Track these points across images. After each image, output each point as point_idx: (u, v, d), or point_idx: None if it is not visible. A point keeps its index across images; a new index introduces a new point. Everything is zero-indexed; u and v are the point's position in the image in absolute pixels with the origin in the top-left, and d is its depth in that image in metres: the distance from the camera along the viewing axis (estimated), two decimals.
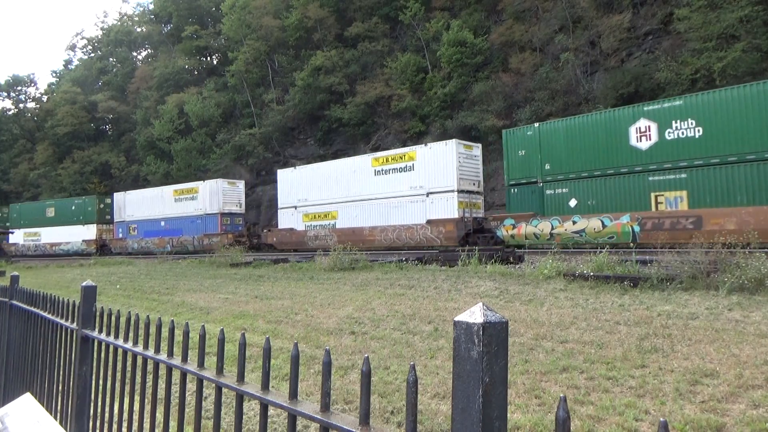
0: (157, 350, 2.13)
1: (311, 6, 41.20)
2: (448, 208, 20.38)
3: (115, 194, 37.34)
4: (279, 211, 27.47)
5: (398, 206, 22.16)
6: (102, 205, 37.87)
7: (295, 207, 26.45)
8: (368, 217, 23.13)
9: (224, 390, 1.76)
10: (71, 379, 2.89)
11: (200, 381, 1.87)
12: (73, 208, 38.85)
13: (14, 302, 4.15)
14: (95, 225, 37.18)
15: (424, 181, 21.29)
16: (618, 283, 9.20)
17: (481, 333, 0.87)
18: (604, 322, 7.17)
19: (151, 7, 65.64)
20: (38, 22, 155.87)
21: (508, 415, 3.76)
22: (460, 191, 20.33)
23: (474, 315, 0.90)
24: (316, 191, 25.64)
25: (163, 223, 33.34)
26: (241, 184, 32.91)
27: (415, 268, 14.27)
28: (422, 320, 8.05)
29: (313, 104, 40.17)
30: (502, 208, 22.90)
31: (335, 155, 39.00)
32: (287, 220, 26.83)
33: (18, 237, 42.33)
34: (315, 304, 10.18)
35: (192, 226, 31.64)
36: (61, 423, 2.96)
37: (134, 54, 67.65)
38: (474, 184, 21.19)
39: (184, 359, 1.95)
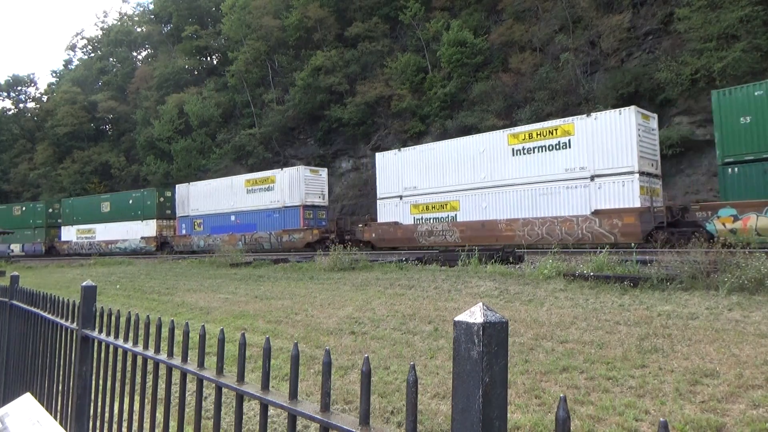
0: (157, 350, 2.13)
1: (311, 6, 41.21)
2: (626, 195, 16.37)
3: (177, 186, 33.57)
4: (378, 202, 23.39)
5: (548, 193, 18.02)
6: (162, 199, 34.26)
7: (400, 197, 22.40)
8: (504, 207, 19.03)
9: (224, 390, 1.76)
10: (71, 379, 2.89)
11: (200, 381, 1.87)
12: (131, 202, 35.40)
13: (14, 302, 4.15)
14: (155, 220, 33.64)
15: (586, 161, 17.19)
16: (618, 283, 9.20)
17: (481, 333, 0.87)
18: (604, 322, 7.17)
19: (151, 7, 65.72)
20: (38, 22, 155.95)
21: (508, 415, 3.76)
22: (641, 173, 16.23)
23: (474, 315, 0.90)
24: (430, 177, 21.51)
25: (233, 218, 29.55)
26: (324, 173, 28.79)
27: (415, 268, 14.27)
28: (422, 320, 8.05)
29: (313, 104, 40.19)
30: None
31: (335, 155, 39.11)
32: (389, 212, 22.78)
33: (70, 234, 38.94)
34: (315, 304, 10.18)
35: (268, 221, 27.80)
36: (61, 423, 2.96)
37: (134, 54, 67.71)
38: (653, 165, 17.09)
39: (184, 359, 1.95)
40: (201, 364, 1.85)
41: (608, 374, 5.13)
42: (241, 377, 1.65)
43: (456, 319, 0.91)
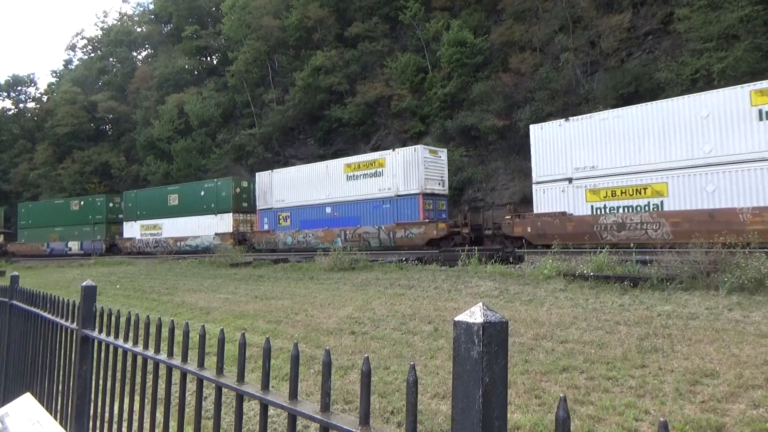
0: (157, 350, 2.12)
1: (311, 6, 41.21)
2: None
3: (258, 174, 29.53)
4: (534, 188, 19.15)
5: None
6: (238, 189, 30.42)
7: (569, 180, 17.97)
8: (746, 191, 14.46)
9: (224, 390, 1.75)
10: (71, 379, 2.89)
11: (200, 381, 1.86)
12: (202, 194, 31.41)
13: (14, 302, 4.15)
14: (230, 214, 29.78)
15: None
16: (618, 283, 9.20)
17: (481, 333, 0.87)
18: (604, 322, 7.17)
19: (151, 7, 65.73)
20: (38, 22, 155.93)
21: (508, 415, 3.76)
22: None
23: (474, 315, 0.90)
24: (616, 153, 17.01)
25: (329, 210, 25.18)
26: (443, 154, 24.05)
27: (415, 268, 14.27)
28: (422, 320, 8.05)
29: (313, 104, 40.19)
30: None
31: (335, 155, 39.08)
32: (552, 200, 18.47)
33: (134, 230, 35.29)
34: (315, 304, 10.18)
35: (376, 213, 23.35)
36: (61, 423, 2.96)
37: (134, 54, 67.70)
38: None
39: (184, 359, 1.95)
40: (201, 364, 1.85)
41: (608, 374, 5.13)
42: (241, 377, 1.65)
43: (456, 319, 0.91)
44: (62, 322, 3.06)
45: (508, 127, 29.21)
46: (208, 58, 57.76)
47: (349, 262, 15.60)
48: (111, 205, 38.45)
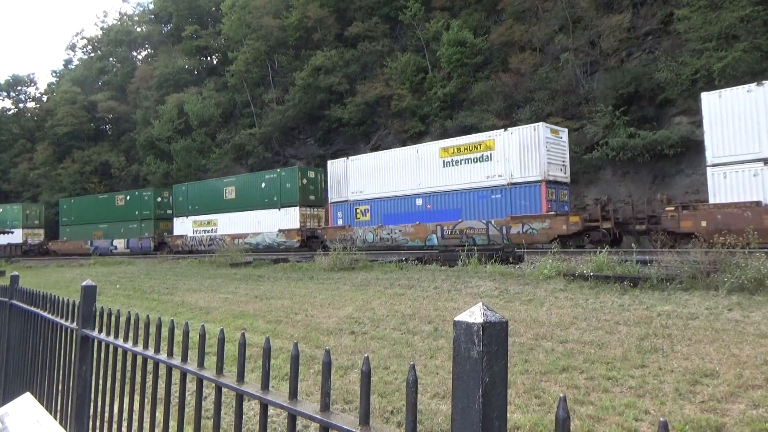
0: (157, 350, 2.13)
1: (311, 6, 41.21)
2: None
3: (330, 163, 25.61)
4: (711, 170, 15.39)
5: None
6: (305, 181, 27.07)
7: (765, 161, 14.44)
8: None
9: (224, 390, 1.75)
10: (71, 379, 2.89)
11: (200, 381, 1.86)
12: (263, 186, 28.09)
13: (14, 302, 4.15)
14: (297, 208, 26.41)
15: None
16: (618, 283, 9.20)
17: (481, 333, 0.87)
18: (604, 322, 7.17)
19: (151, 7, 65.73)
20: (38, 22, 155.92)
21: (508, 415, 3.76)
22: None
23: (474, 315, 0.90)
24: None
25: (420, 201, 21.58)
26: (564, 135, 20.28)
27: (415, 268, 14.28)
28: (422, 320, 8.05)
29: (313, 104, 40.19)
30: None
31: (335, 156, 39.10)
32: (739, 186, 14.87)
33: (185, 227, 32.15)
34: (315, 304, 10.18)
35: (482, 205, 19.60)
36: (61, 423, 2.96)
37: (134, 54, 67.67)
38: None
39: (184, 359, 1.95)
40: (201, 363, 1.85)
41: (608, 374, 5.13)
42: (240, 377, 1.65)
43: (456, 319, 0.91)
44: (62, 321, 3.06)
45: (508, 127, 29.16)
46: (208, 58, 57.76)
47: (348, 262, 15.60)
48: (159, 199, 35.31)
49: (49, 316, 3.31)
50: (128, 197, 37.07)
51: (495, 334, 0.89)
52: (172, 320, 2.12)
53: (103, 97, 58.85)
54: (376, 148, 34.63)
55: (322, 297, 10.85)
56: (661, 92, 24.17)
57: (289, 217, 26.82)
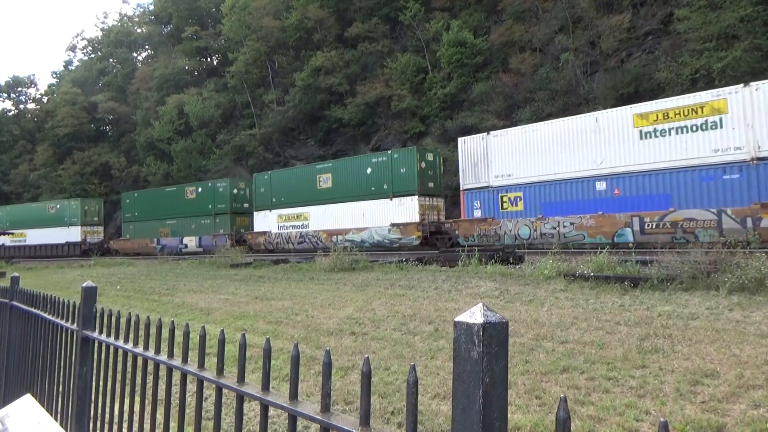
0: (158, 351, 2.13)
1: (311, 6, 41.25)
2: None
3: (463, 140, 20.74)
4: None
5: None
6: (423, 165, 22.47)
7: None
8: None
9: (225, 391, 1.75)
10: (72, 380, 2.89)
11: (200, 382, 1.87)
12: (369, 171, 23.65)
13: (15, 303, 4.15)
14: (415, 198, 21.82)
15: None
16: (618, 283, 9.20)
17: (481, 333, 0.87)
18: (604, 322, 7.17)
19: (151, 7, 65.77)
20: (38, 22, 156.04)
21: (509, 415, 3.75)
22: None
23: (474, 315, 0.90)
24: None
25: (601, 186, 16.96)
26: None
27: (415, 269, 14.28)
28: (422, 321, 8.04)
29: (313, 105, 40.21)
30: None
31: (335, 156, 39.14)
32: None
33: (268, 222, 27.90)
34: (315, 304, 10.18)
35: (706, 189, 14.98)
36: (61, 424, 2.96)
37: (134, 55, 67.73)
38: None
39: (185, 360, 1.95)
40: (201, 364, 1.85)
41: (609, 374, 5.13)
42: (241, 378, 1.65)
43: (456, 319, 0.91)
44: (63, 323, 3.06)
45: (508, 128, 29.24)
46: (208, 59, 57.79)
47: (349, 263, 15.60)
48: (235, 191, 31.43)
49: (50, 317, 3.31)
50: (200, 189, 32.85)
51: (495, 334, 0.89)
52: (173, 321, 2.12)
53: (103, 98, 58.90)
54: (376, 149, 34.63)
55: (322, 298, 10.85)
56: (661, 92, 24.16)
57: (405, 209, 22.17)
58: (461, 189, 20.66)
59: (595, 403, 4.51)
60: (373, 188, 23.49)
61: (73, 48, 79.02)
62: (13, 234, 42.15)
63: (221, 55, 54.01)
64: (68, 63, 76.31)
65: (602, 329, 6.82)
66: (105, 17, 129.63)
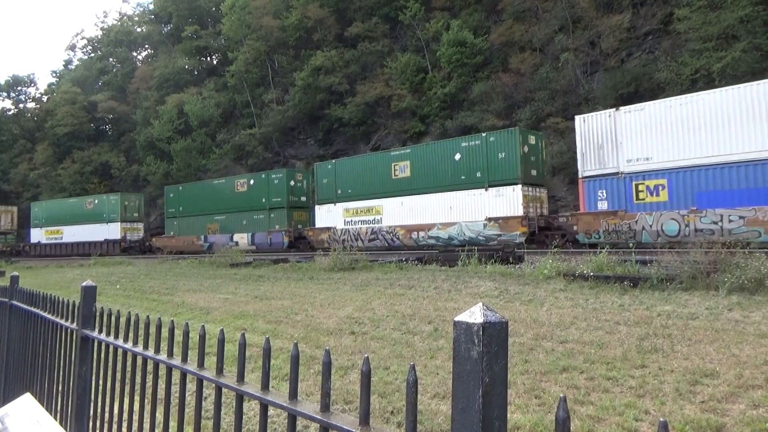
0: (157, 350, 2.13)
1: (311, 6, 41.24)
2: None
3: (581, 118, 17.72)
4: None
5: None
6: (526, 149, 19.45)
7: None
8: None
9: (224, 390, 1.75)
10: (71, 379, 2.89)
11: (200, 381, 1.87)
12: (458, 157, 20.67)
13: (14, 302, 4.15)
14: (518, 187, 18.94)
15: None
16: (618, 283, 9.20)
17: (481, 333, 0.87)
18: (604, 322, 7.17)
19: (151, 7, 65.76)
20: (38, 22, 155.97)
21: (508, 415, 3.76)
22: None
23: (474, 315, 0.90)
24: None
25: None
26: None
27: (414, 268, 14.28)
28: (422, 320, 8.05)
29: (313, 104, 40.21)
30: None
31: (335, 155, 39.25)
32: None
33: (332, 216, 25.04)
34: (315, 304, 10.18)
35: None
36: (61, 423, 2.96)
37: (134, 54, 67.73)
38: None
39: (184, 359, 1.95)
40: (201, 364, 1.85)
41: (608, 374, 5.13)
42: (241, 377, 1.65)
43: (456, 319, 0.91)
44: (62, 322, 3.06)
45: (509, 127, 29.26)
46: (208, 58, 57.79)
47: (348, 262, 15.60)
48: (292, 183, 28.31)
49: (49, 316, 3.31)
50: (251, 181, 29.68)
51: (495, 334, 0.89)
52: (172, 321, 2.12)
53: (103, 98, 58.90)
54: (375, 149, 34.63)
55: (322, 297, 10.85)
56: (661, 92, 24.17)
57: (504, 201, 19.22)
58: (580, 177, 17.72)
59: (595, 402, 4.51)
60: (462, 177, 20.46)
61: (72, 47, 78.98)
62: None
63: (221, 54, 54.01)
64: (68, 62, 76.39)
65: (602, 329, 6.82)
66: (105, 16, 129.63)
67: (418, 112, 35.05)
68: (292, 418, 1.41)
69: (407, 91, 35.52)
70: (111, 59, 66.95)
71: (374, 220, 23.40)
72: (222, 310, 10.48)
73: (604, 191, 17.10)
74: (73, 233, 38.77)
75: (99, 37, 71.89)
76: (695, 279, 8.66)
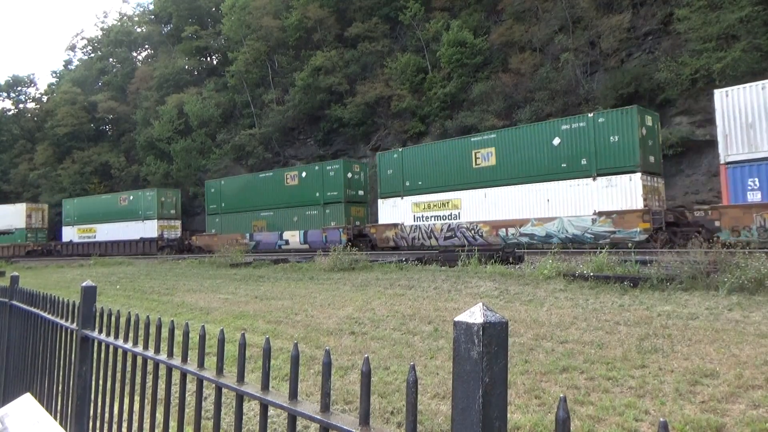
0: (157, 350, 2.13)
1: (311, 6, 41.24)
2: None
3: (722, 92, 15.32)
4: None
5: None
6: (644, 131, 16.86)
7: None
8: None
9: (224, 390, 1.76)
10: (71, 380, 2.89)
11: (200, 381, 1.87)
12: (556, 142, 18.08)
13: (14, 302, 4.15)
14: (636, 176, 16.45)
15: None
16: (618, 283, 9.20)
17: (481, 333, 0.87)
18: (604, 322, 7.17)
19: (151, 7, 65.75)
20: (38, 22, 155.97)
21: (508, 415, 3.76)
22: None
23: (474, 315, 0.90)
24: None
25: None
26: None
27: (414, 269, 14.27)
28: (422, 320, 8.04)
29: (313, 104, 40.21)
30: None
31: (335, 155, 39.21)
32: None
33: (399, 212, 22.53)
34: (315, 304, 10.18)
35: None
36: (61, 423, 2.96)
37: (134, 54, 67.71)
38: None
39: (184, 359, 1.95)
40: (201, 364, 1.85)
41: (608, 374, 5.13)
42: (241, 377, 1.65)
43: (456, 319, 0.91)
44: (62, 322, 3.06)
45: (508, 127, 29.27)
46: (208, 59, 57.78)
47: (348, 263, 15.60)
48: (349, 176, 25.66)
49: (49, 316, 3.31)
50: (303, 174, 27.09)
51: (495, 334, 0.89)
52: (172, 321, 2.12)
53: (103, 98, 58.88)
54: (376, 149, 34.59)
55: (322, 297, 10.85)
56: (661, 92, 24.19)
57: (618, 192, 16.69)
58: (721, 162, 15.09)
59: (595, 402, 4.51)
60: (563, 165, 17.82)
61: (72, 47, 79.03)
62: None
63: (221, 54, 53.99)
64: (68, 62, 76.32)
65: (602, 329, 6.82)
66: (105, 17, 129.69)
67: (418, 112, 35.04)
68: (292, 418, 1.41)
69: (407, 91, 35.51)
70: (111, 59, 66.94)
71: (451, 215, 20.88)
72: (222, 310, 10.48)
73: (756, 179, 14.21)
74: (106, 231, 36.94)
75: (99, 37, 71.90)
76: (695, 279, 8.66)
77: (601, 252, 11.34)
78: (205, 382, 1.84)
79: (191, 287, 14.50)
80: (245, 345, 1.62)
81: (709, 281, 8.51)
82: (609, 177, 16.93)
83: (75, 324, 2.86)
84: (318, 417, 1.31)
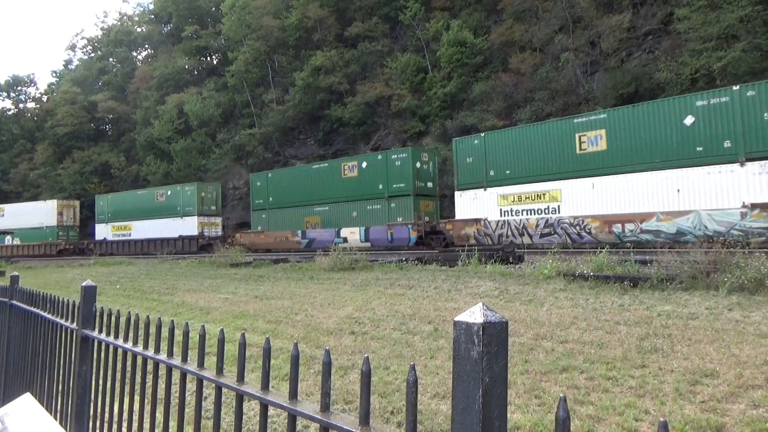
0: (157, 350, 2.13)
1: (311, 6, 41.26)
2: None
3: None
4: None
5: None
6: None
7: None
8: None
9: (224, 390, 1.75)
10: (71, 379, 2.89)
11: (200, 381, 1.86)
12: (689, 122, 15.21)
13: (14, 302, 4.15)
14: None
15: None
16: (618, 283, 9.20)
17: (481, 333, 0.87)
18: (604, 322, 7.17)
19: (151, 7, 65.78)
20: (38, 22, 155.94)
21: (508, 415, 3.76)
22: None
23: (474, 315, 0.90)
24: None
25: None
26: None
27: (415, 268, 14.27)
28: (422, 320, 8.04)
29: (313, 104, 40.22)
30: None
31: (335, 155, 39.26)
32: None
33: (480, 205, 19.85)
34: (315, 304, 10.18)
35: None
36: (61, 423, 2.96)
37: (134, 54, 67.74)
38: None
39: (184, 359, 1.95)
40: (201, 364, 1.85)
41: (608, 374, 5.13)
42: (240, 377, 1.65)
43: (456, 319, 0.91)
44: (62, 322, 3.06)
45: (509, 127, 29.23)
46: (208, 58, 57.79)
47: (348, 262, 15.60)
48: (418, 165, 23.04)
49: (49, 316, 3.31)
50: (364, 164, 24.33)
51: (495, 334, 0.89)
52: (172, 320, 2.12)
53: (103, 98, 58.89)
54: (376, 149, 34.62)
55: (322, 297, 10.85)
56: (661, 92, 24.18)
57: (761, 180, 14.04)
58: None
59: (595, 402, 4.51)
60: (699, 148, 15.01)
61: (72, 47, 79.11)
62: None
63: (221, 54, 54.02)
64: (68, 62, 76.39)
65: (602, 329, 6.82)
66: (105, 16, 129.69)
67: (418, 112, 35.05)
68: (292, 418, 1.41)
69: (407, 91, 35.52)
70: (111, 59, 66.95)
71: (548, 208, 18.14)
72: (222, 310, 10.48)
73: None
74: (143, 229, 34.62)
75: (99, 37, 71.94)
76: (695, 279, 8.66)
77: (601, 252, 11.34)
78: (205, 382, 1.84)
79: (191, 287, 14.50)
80: (245, 345, 1.62)
81: (709, 281, 8.51)
82: (764, 162, 13.95)
83: (75, 324, 2.86)
84: (318, 417, 1.31)
